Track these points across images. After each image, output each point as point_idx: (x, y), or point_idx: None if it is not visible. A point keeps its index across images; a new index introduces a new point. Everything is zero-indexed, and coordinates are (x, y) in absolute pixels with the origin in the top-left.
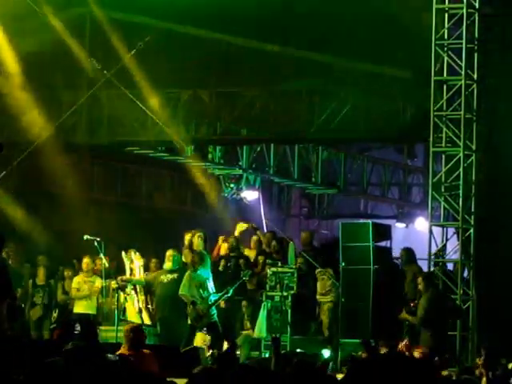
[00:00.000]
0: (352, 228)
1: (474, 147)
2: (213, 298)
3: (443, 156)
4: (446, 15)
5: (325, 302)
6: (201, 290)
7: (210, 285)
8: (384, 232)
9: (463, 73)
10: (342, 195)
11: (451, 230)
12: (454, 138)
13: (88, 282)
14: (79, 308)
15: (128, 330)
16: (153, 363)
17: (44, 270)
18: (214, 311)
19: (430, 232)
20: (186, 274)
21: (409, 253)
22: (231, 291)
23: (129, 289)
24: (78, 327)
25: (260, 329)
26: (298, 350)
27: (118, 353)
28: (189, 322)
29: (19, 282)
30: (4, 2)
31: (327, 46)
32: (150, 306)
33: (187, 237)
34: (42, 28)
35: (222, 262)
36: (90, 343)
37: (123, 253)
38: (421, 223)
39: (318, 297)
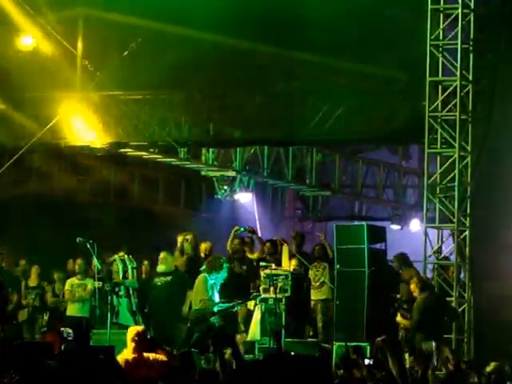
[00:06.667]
0: (346, 230)
1: (469, 148)
2: (217, 308)
3: (438, 157)
4: (441, 15)
5: (317, 302)
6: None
7: (216, 293)
8: (379, 234)
9: (458, 73)
10: (337, 197)
11: (446, 232)
12: (449, 139)
13: (81, 284)
14: (72, 311)
15: (133, 333)
16: (154, 367)
17: (37, 272)
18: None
19: (426, 234)
20: (201, 277)
21: (402, 258)
22: (237, 307)
23: (122, 291)
24: (70, 333)
25: (254, 332)
26: (292, 353)
27: (121, 355)
28: (188, 324)
29: (15, 285)
30: None
31: (321, 47)
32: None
33: (180, 239)
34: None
35: None
36: (82, 346)
37: (116, 255)
38: (416, 225)
39: (311, 290)
